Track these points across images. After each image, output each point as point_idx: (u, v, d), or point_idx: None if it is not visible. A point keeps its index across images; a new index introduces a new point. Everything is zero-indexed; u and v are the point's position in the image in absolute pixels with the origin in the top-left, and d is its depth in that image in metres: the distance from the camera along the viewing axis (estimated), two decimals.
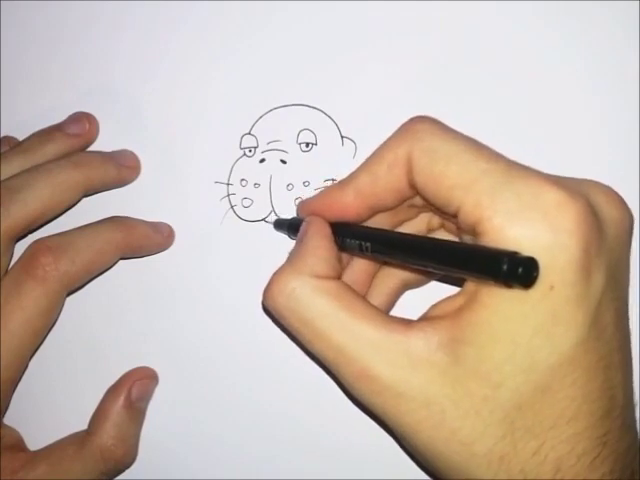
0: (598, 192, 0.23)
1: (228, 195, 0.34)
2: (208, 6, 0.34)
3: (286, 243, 0.33)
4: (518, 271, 0.20)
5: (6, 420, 0.32)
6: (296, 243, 0.28)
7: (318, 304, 0.24)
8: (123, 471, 0.32)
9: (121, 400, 0.32)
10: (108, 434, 0.31)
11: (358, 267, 0.29)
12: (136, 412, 0.32)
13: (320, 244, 0.26)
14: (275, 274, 0.26)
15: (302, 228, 0.28)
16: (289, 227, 0.32)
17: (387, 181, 0.25)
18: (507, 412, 0.22)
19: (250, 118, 0.34)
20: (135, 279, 0.34)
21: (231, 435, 0.33)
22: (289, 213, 0.33)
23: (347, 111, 0.33)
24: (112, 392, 0.32)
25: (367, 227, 0.27)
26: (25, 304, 0.29)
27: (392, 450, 0.30)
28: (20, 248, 0.31)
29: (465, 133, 0.24)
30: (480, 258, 0.21)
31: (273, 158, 0.33)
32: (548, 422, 0.22)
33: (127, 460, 0.32)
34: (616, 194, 0.24)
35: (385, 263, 0.30)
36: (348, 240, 0.27)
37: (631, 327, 0.29)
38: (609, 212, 0.23)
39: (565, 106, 0.31)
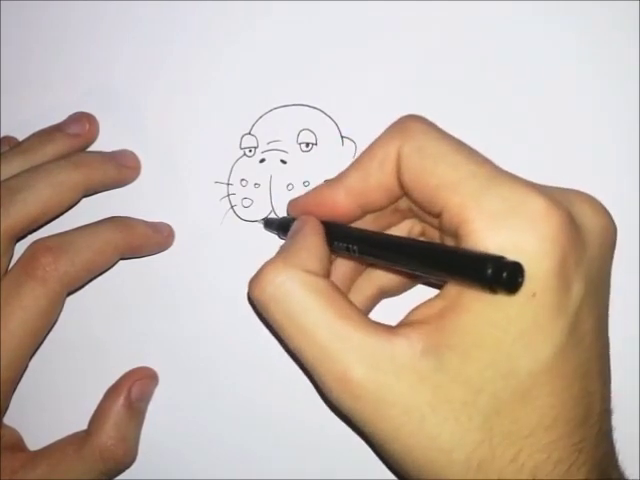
0: (581, 202, 0.23)
1: (228, 195, 0.34)
2: (208, 6, 0.34)
3: None
4: (502, 276, 0.19)
5: (6, 420, 0.32)
6: (288, 238, 0.27)
7: (307, 299, 0.24)
8: (123, 471, 0.32)
9: (121, 400, 0.32)
10: (108, 434, 0.31)
11: (340, 270, 0.29)
12: (136, 412, 0.32)
13: (314, 241, 0.26)
14: (266, 264, 0.25)
15: (295, 225, 0.27)
16: (279, 226, 0.31)
17: (377, 179, 0.25)
18: (486, 418, 0.22)
19: (250, 118, 0.34)
20: (135, 279, 0.34)
21: (231, 435, 0.33)
22: None
23: (347, 111, 0.33)
24: (112, 392, 0.32)
25: (354, 228, 0.27)
26: (25, 304, 0.29)
27: None
28: (20, 248, 0.31)
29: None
30: (464, 261, 0.21)
31: (273, 158, 0.33)
32: (526, 429, 0.22)
33: (127, 460, 0.32)
34: (599, 204, 0.23)
35: (370, 265, 0.29)
36: (335, 242, 0.26)
37: (632, 329, 0.29)
38: (591, 222, 0.23)
39: (565, 106, 0.31)
